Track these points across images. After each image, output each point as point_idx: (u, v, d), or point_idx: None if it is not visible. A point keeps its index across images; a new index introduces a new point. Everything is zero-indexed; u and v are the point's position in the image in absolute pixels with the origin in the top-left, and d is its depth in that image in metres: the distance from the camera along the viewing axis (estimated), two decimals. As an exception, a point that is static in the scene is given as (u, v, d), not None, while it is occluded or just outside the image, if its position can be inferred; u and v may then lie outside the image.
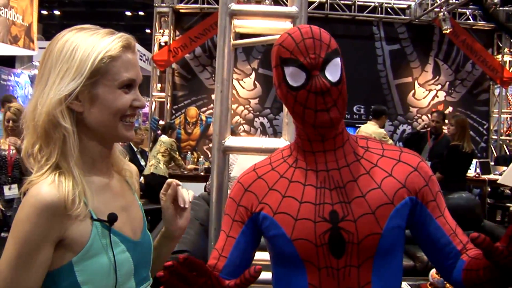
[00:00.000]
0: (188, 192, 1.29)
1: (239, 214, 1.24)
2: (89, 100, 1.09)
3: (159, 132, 7.05)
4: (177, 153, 6.88)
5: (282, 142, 2.08)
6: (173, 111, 9.31)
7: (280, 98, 1.20)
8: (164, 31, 9.13)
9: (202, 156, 8.11)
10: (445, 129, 6.16)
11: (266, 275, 2.13)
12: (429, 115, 8.24)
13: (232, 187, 1.31)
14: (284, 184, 1.21)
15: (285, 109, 2.16)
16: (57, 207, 1.02)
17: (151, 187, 6.11)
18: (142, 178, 6.32)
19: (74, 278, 1.05)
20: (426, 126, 6.62)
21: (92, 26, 1.16)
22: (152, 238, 1.32)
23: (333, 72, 1.12)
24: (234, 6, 2.07)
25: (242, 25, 2.22)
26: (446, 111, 9.59)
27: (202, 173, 7.25)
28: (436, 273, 2.82)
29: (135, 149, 7.08)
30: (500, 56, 9.74)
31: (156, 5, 9.11)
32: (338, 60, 1.13)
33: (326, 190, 1.16)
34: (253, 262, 2.23)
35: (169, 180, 1.29)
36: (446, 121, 6.27)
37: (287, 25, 2.19)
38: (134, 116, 1.16)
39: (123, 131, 1.14)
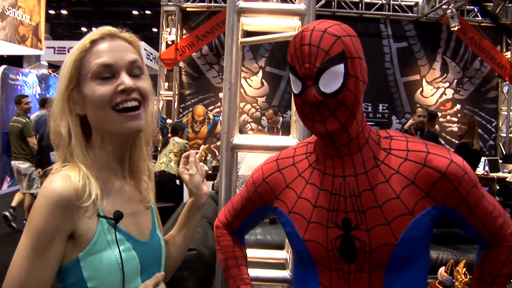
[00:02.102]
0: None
1: (255, 197, 1.32)
2: (82, 101, 1.13)
3: (169, 135, 7.07)
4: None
5: (290, 140, 2.07)
6: (181, 110, 9.33)
7: None
8: (171, 30, 9.15)
9: (209, 155, 8.10)
10: (454, 128, 6.14)
11: (282, 274, 2.14)
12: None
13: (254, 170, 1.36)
14: (301, 183, 1.20)
15: (293, 107, 2.15)
16: (68, 198, 1.04)
17: (159, 185, 6.10)
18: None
19: (80, 274, 1.06)
20: (413, 123, 6.46)
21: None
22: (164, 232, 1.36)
23: (329, 82, 1.05)
24: (242, 4, 2.06)
25: (250, 22, 2.21)
26: (454, 109, 9.57)
27: (209, 172, 7.23)
28: (444, 271, 2.80)
29: None
30: (508, 53, 9.69)
31: (163, 3, 9.13)
32: (338, 68, 1.04)
33: (340, 197, 1.13)
34: (269, 260, 2.25)
35: (185, 153, 1.42)
36: (455, 119, 6.26)
37: (295, 22, 2.18)
38: (127, 101, 1.12)
39: (122, 124, 1.12)
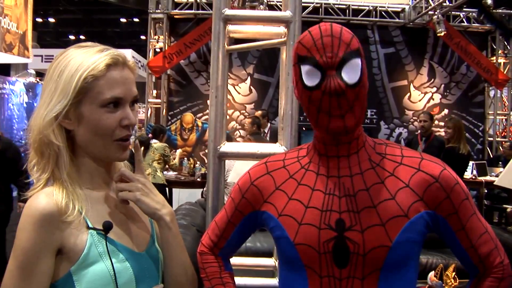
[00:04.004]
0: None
1: (242, 205, 1.27)
2: (77, 119, 1.10)
3: (150, 135, 6.95)
4: (170, 157, 6.81)
5: (277, 148, 2.07)
6: (169, 117, 9.30)
7: (296, 98, 1.17)
8: (159, 37, 9.14)
9: (198, 162, 8.08)
10: (441, 132, 6.16)
11: (270, 282, 2.13)
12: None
13: (241, 176, 1.32)
14: (292, 185, 1.18)
15: (281, 113, 2.15)
16: (51, 214, 1.03)
17: None
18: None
19: None
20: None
21: (91, 43, 1.14)
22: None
23: (350, 73, 1.07)
24: (228, 12, 2.06)
25: (236, 30, 2.21)
26: (442, 114, 9.63)
27: (198, 179, 7.22)
28: (434, 276, 2.81)
29: None
30: (494, 58, 9.79)
31: (151, 11, 9.12)
32: (358, 61, 1.08)
33: (335, 197, 1.12)
34: (258, 268, 2.24)
35: (116, 179, 1.18)
36: (442, 123, 6.28)
37: (281, 29, 2.18)
38: (129, 135, 1.14)
39: (115, 153, 1.13)
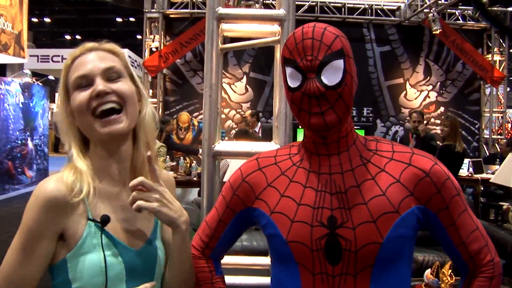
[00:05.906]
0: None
1: (233, 202, 1.26)
2: (74, 113, 1.19)
3: None
4: (161, 158, 6.68)
5: (272, 146, 2.07)
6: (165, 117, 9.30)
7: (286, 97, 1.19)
8: (154, 36, 9.13)
9: (194, 162, 8.06)
10: (437, 130, 6.19)
11: (263, 280, 2.12)
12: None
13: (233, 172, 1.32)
14: (284, 182, 1.18)
15: (275, 112, 2.15)
16: (56, 199, 1.09)
17: None
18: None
19: (66, 274, 1.11)
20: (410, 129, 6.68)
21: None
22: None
23: (331, 75, 1.07)
24: (221, 10, 2.05)
25: (230, 28, 2.20)
26: (438, 112, 9.65)
27: (195, 178, 7.20)
28: (430, 274, 2.81)
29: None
30: (490, 55, 9.82)
31: (146, 10, 9.11)
32: (338, 63, 1.08)
33: (326, 194, 1.12)
34: (253, 267, 2.23)
35: (132, 188, 1.16)
36: (438, 121, 6.31)
37: (275, 28, 2.18)
38: (103, 104, 1.15)
39: (98, 129, 1.15)
